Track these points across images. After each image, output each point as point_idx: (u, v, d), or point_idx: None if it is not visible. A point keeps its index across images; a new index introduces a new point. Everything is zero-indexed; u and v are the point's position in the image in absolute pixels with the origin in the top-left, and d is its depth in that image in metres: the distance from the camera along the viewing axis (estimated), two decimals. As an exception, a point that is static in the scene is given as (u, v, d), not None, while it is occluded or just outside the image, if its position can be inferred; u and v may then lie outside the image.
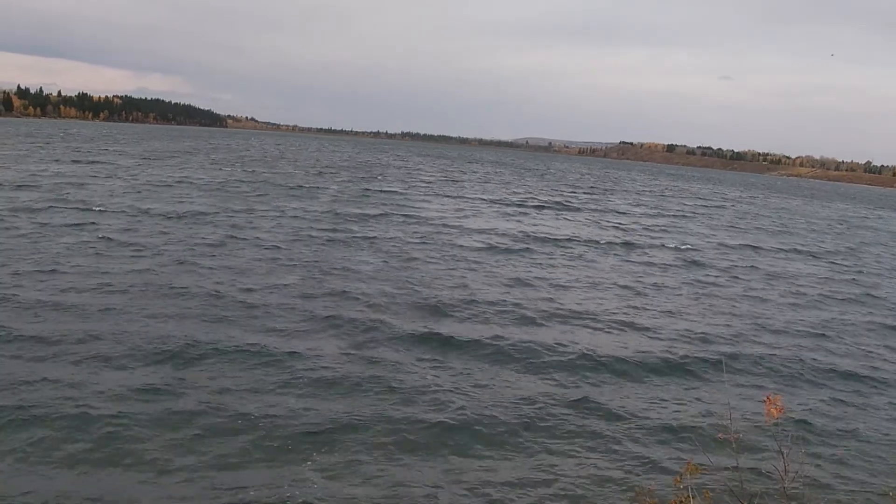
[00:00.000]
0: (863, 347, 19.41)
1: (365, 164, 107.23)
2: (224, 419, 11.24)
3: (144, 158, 76.37)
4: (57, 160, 63.39)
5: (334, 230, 31.70)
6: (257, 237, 28.18)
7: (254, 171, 69.95)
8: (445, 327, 17.21)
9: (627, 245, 35.20)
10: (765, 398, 6.38)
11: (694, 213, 63.07)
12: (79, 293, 17.82)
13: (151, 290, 18.67)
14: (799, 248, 41.81)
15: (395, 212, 40.62)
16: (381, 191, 56.29)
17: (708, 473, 9.28)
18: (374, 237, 30.45)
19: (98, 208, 32.81)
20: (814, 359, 17.68)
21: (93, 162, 64.32)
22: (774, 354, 17.64)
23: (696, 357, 16.69)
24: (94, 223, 28.45)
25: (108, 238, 25.47)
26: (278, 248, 26.28)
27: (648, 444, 11.85)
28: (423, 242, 30.21)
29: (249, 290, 19.51)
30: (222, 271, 21.54)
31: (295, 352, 14.51)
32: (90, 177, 49.00)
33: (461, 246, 30.07)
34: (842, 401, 14.90)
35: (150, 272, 20.65)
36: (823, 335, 20.28)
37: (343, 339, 15.77)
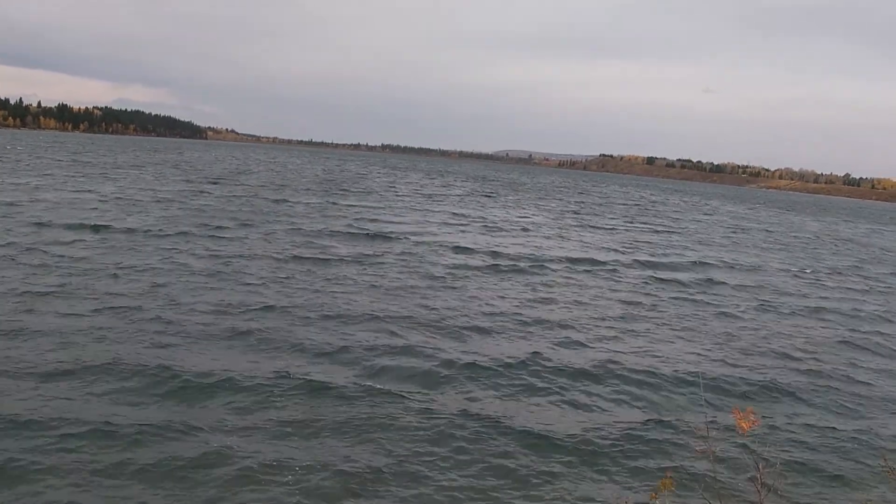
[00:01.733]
0: (856, 367, 19.01)
1: (343, 177, 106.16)
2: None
3: (111, 169, 75.07)
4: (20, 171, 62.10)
5: (306, 247, 30.39)
6: (220, 258, 26.65)
7: (223, 184, 68.60)
8: (416, 366, 15.68)
9: (613, 263, 34.05)
10: (733, 411, 6.31)
11: (680, 228, 62.30)
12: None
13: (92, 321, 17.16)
14: (795, 264, 41.12)
15: (368, 228, 39.22)
16: (354, 205, 54.93)
17: (685, 488, 9.82)
18: (346, 257, 29.06)
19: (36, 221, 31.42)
20: (802, 376, 17.60)
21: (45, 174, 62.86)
22: (759, 371, 17.65)
23: (676, 375, 16.51)
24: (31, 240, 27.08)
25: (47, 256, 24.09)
26: (243, 270, 24.80)
27: (624, 460, 11.78)
28: (399, 261, 28.94)
29: (202, 321, 17.92)
30: (169, 302, 19.76)
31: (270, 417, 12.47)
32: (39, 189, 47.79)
33: (437, 264, 28.89)
34: (826, 416, 14.98)
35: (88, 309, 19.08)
36: (820, 356, 19.77)
37: (313, 394, 13.63)
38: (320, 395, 13.30)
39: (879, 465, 11.83)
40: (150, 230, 31.69)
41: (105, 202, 42.36)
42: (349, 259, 28.58)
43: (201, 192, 56.43)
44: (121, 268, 23.21)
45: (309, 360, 15.38)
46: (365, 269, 26.87)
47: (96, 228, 31.00)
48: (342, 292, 22.38)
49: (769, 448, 11.51)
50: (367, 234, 36.84)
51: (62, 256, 24.30)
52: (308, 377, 14.11)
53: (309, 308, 19.86)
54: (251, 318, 18.29)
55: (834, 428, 14.13)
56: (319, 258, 28.18)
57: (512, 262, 31.26)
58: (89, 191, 49.16)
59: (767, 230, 70.58)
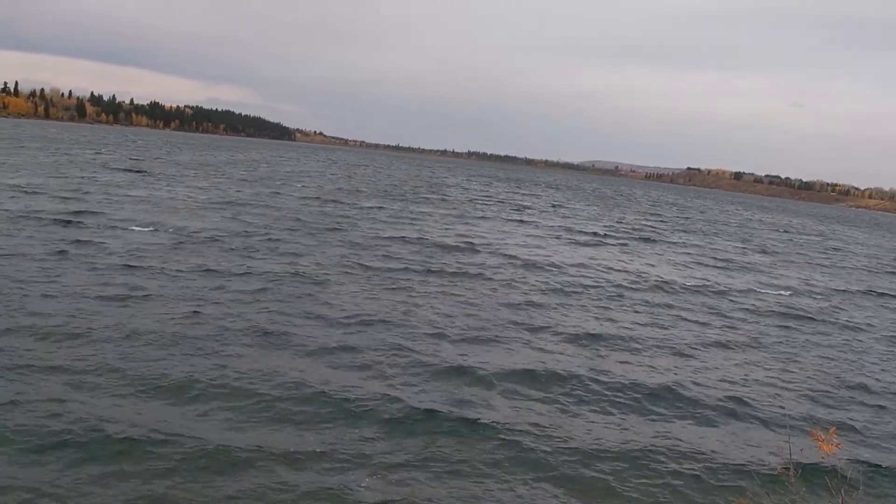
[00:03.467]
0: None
1: (429, 183, 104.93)
2: None
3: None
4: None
5: (387, 259, 28.47)
6: (298, 265, 24.89)
7: (308, 187, 67.54)
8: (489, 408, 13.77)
9: (717, 288, 31.18)
10: (814, 433, 6.08)
11: (786, 250, 58.59)
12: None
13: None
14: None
15: (456, 241, 36.98)
16: (443, 215, 52.97)
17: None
18: (431, 269, 27.13)
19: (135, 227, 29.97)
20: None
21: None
22: (846, 399, 17.20)
23: (762, 399, 16.25)
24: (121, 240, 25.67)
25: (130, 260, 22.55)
26: (319, 280, 22.99)
27: (704, 480, 11.72)
28: (486, 276, 26.85)
29: (270, 332, 16.38)
30: (241, 311, 18.14)
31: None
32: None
33: (526, 285, 26.50)
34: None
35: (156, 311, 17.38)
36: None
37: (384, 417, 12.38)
38: (423, 425, 12.51)
39: None
40: (225, 235, 30.31)
41: (183, 202, 41.20)
42: (429, 271, 27.02)
43: (278, 193, 55.46)
44: (199, 272, 22.26)
45: (403, 384, 14.46)
46: (445, 283, 25.12)
47: (172, 229, 30.19)
48: (425, 307, 21.23)
49: (852, 473, 11.18)
50: (450, 245, 34.88)
51: (125, 260, 23.01)
52: (409, 403, 13.28)
53: (392, 324, 18.80)
54: (344, 332, 17.56)
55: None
56: (401, 268, 26.87)
57: (601, 284, 28.81)
58: (167, 190, 48.30)
59: (875, 256, 66.41)
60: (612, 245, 44.96)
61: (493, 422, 12.77)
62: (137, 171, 61.92)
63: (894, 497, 11.85)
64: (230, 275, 22.42)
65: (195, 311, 17.70)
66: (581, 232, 51.47)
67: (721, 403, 15.40)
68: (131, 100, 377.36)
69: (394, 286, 23.64)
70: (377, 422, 12.26)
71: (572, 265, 33.04)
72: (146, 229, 29.51)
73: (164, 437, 10.71)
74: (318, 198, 54.80)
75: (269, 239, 30.48)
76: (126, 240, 26.65)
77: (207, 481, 9.77)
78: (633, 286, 29.10)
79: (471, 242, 36.53)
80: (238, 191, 53.80)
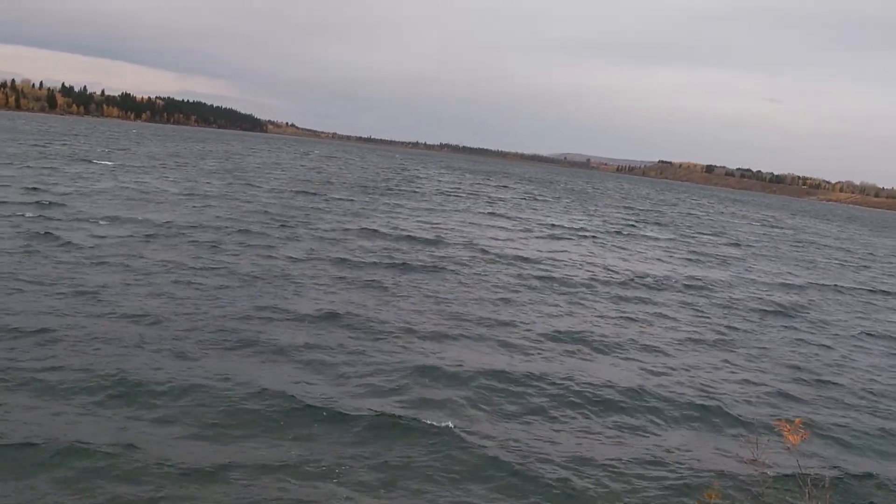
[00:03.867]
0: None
1: (400, 176, 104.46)
2: None
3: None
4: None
5: (353, 252, 27.97)
6: (268, 260, 24.52)
7: (273, 179, 66.80)
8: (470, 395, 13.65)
9: (690, 282, 31.05)
10: (779, 423, 6.15)
11: (759, 243, 58.61)
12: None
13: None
14: (880, 287, 37.95)
15: (428, 234, 36.58)
16: (407, 206, 52.46)
17: (731, 500, 10.08)
18: (402, 263, 26.67)
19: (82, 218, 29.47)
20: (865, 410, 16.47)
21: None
22: (819, 395, 17.12)
23: (733, 394, 16.30)
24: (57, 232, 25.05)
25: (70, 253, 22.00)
26: (288, 275, 22.57)
27: (671, 471, 11.71)
28: (457, 269, 26.45)
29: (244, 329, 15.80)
30: (190, 309, 17.64)
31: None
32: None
33: (498, 279, 26.24)
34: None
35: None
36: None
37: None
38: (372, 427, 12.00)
39: None
40: (189, 227, 29.74)
41: (150, 195, 40.55)
42: (400, 265, 26.58)
43: (249, 186, 54.91)
44: (160, 267, 21.79)
45: (355, 386, 13.92)
46: (416, 278, 24.78)
47: (140, 222, 29.75)
48: (396, 302, 20.89)
49: (819, 462, 11.61)
50: (421, 238, 34.46)
51: (90, 255, 22.47)
52: (353, 405, 12.76)
53: (363, 322, 18.38)
54: (313, 330, 17.20)
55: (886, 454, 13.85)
56: (372, 262, 26.45)
57: (580, 277, 28.53)
58: (134, 182, 47.59)
59: (848, 250, 66.56)
60: (585, 238, 44.72)
61: (463, 425, 12.41)
62: (106, 163, 61.23)
63: (860, 492, 11.79)
64: (198, 270, 21.94)
65: (160, 310, 17.21)
66: (553, 225, 51.19)
67: (691, 400, 15.28)
68: (102, 91, 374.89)
69: (364, 281, 23.28)
70: (347, 427, 11.82)
71: (544, 259, 32.73)
72: (113, 223, 28.96)
73: (126, 444, 10.27)
74: (288, 190, 54.29)
75: (239, 232, 29.99)
76: (92, 233, 26.11)
77: (171, 490, 9.38)
78: (606, 280, 28.84)
79: (442, 235, 36.19)
80: (208, 182, 53.28)
